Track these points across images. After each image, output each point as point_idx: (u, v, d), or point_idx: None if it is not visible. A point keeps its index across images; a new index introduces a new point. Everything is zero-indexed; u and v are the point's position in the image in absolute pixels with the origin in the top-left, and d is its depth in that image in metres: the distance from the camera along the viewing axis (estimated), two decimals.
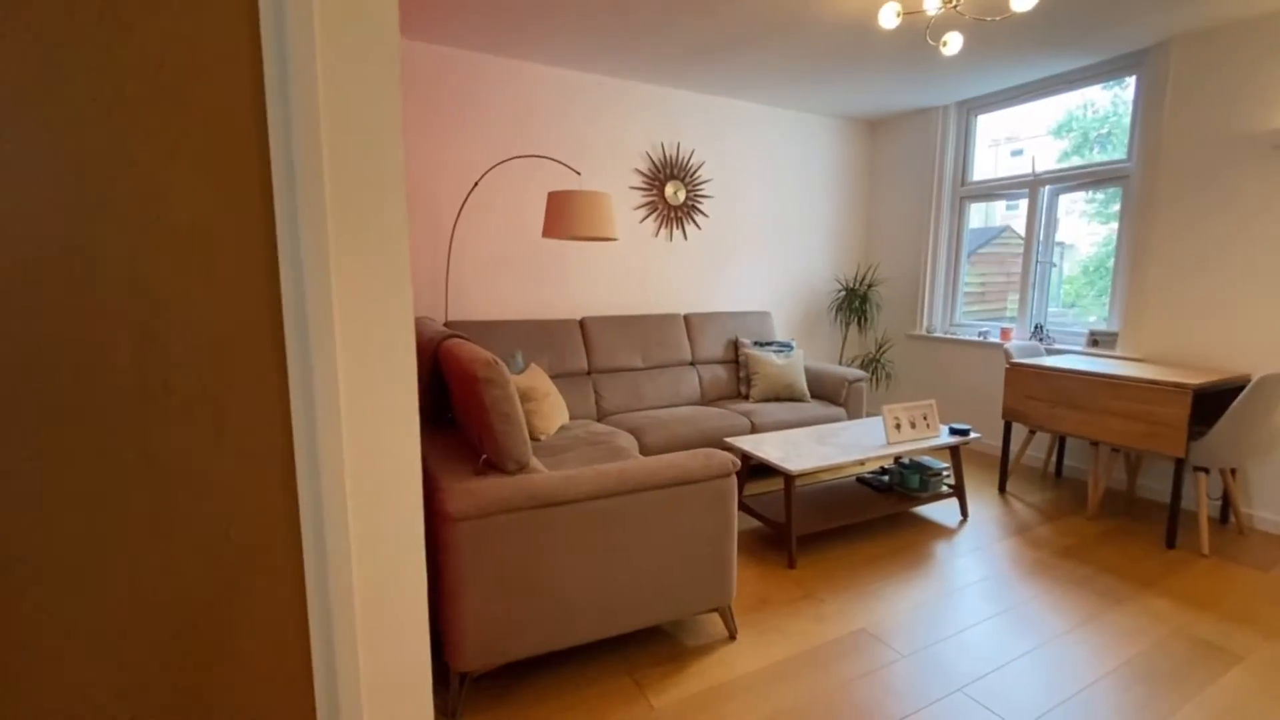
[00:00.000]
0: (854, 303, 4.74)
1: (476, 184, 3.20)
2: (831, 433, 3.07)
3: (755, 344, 4.03)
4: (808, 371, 4.06)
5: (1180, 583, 2.48)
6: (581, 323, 3.66)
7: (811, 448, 2.80)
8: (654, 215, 4.05)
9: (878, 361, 4.72)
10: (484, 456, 1.85)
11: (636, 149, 3.92)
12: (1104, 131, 3.79)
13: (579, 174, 2.93)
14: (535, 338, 3.46)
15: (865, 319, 4.82)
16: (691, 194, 4.15)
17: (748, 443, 2.84)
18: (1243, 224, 3.01)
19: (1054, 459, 3.85)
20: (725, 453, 2.01)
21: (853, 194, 4.95)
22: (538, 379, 3.01)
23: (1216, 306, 3.12)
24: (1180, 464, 2.75)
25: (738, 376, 4.03)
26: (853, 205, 4.97)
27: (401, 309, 0.92)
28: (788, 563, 2.60)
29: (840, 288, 4.94)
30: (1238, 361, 3.06)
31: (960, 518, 3.13)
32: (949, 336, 4.45)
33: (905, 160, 4.70)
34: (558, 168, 3.65)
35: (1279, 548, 2.80)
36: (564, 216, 2.77)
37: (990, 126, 4.39)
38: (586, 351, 3.62)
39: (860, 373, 3.85)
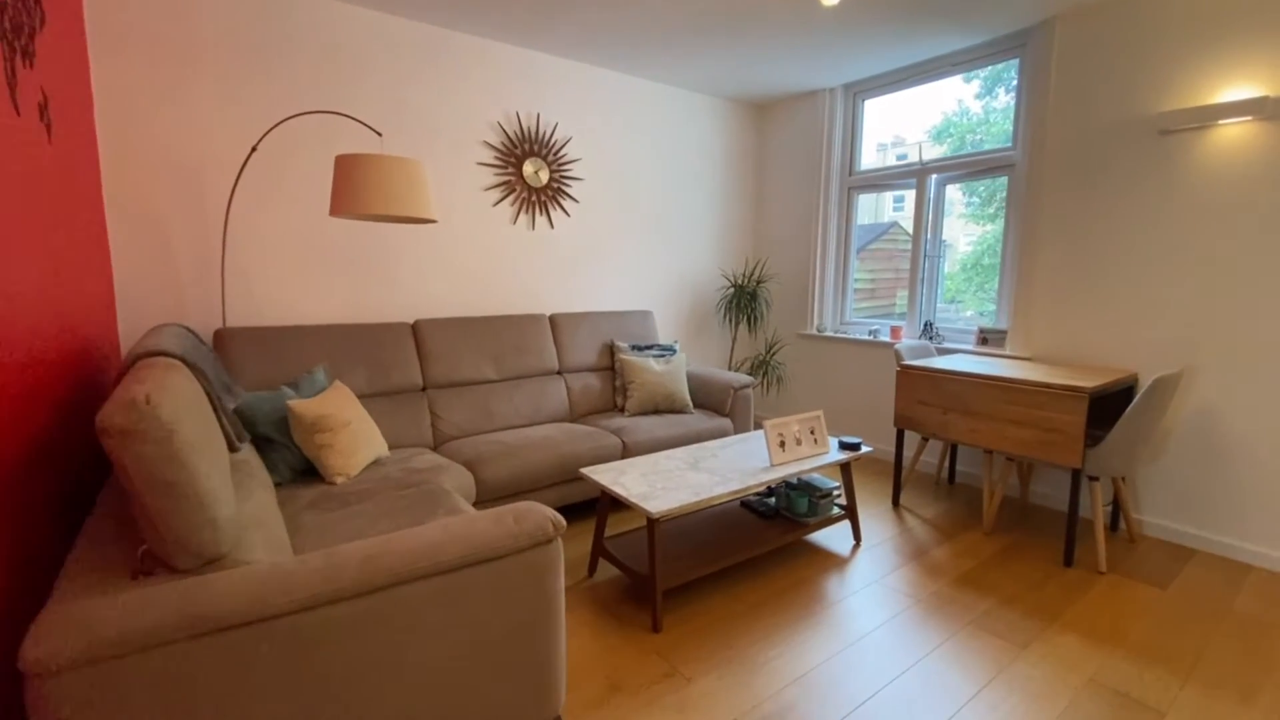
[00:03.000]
0: (743, 301, 4.36)
1: (255, 148, 2.44)
2: (709, 453, 2.60)
3: (634, 348, 3.52)
4: (692, 378, 3.61)
5: (1084, 611, 2.21)
6: (415, 327, 2.99)
7: (682, 476, 2.30)
8: (511, 198, 3.43)
9: (768, 364, 4.37)
10: (143, 548, 1.18)
11: (485, 118, 3.29)
12: (978, 137, 3.62)
13: (380, 135, 2.28)
14: (351, 347, 2.75)
15: (756, 318, 4.46)
16: (557, 175, 3.57)
17: (607, 474, 2.31)
18: (1127, 214, 2.85)
19: (946, 465, 3.63)
20: (542, 511, 1.45)
21: (741, 183, 4.58)
22: (337, 403, 2.32)
23: (1104, 302, 2.96)
24: (1076, 474, 2.52)
25: (613, 386, 3.51)
26: (742, 195, 4.59)
27: None
28: (652, 625, 2.09)
29: (728, 284, 4.55)
30: (1126, 360, 2.90)
31: (854, 542, 2.77)
32: (840, 336, 4.16)
33: (793, 147, 4.37)
34: (377, 135, 2.95)
35: (1171, 557, 2.64)
36: (356, 188, 2.10)
37: (877, 128, 4.12)
38: (421, 362, 2.95)
39: (746, 379, 3.44)
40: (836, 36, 3.22)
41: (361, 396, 2.75)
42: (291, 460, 2.27)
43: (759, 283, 4.45)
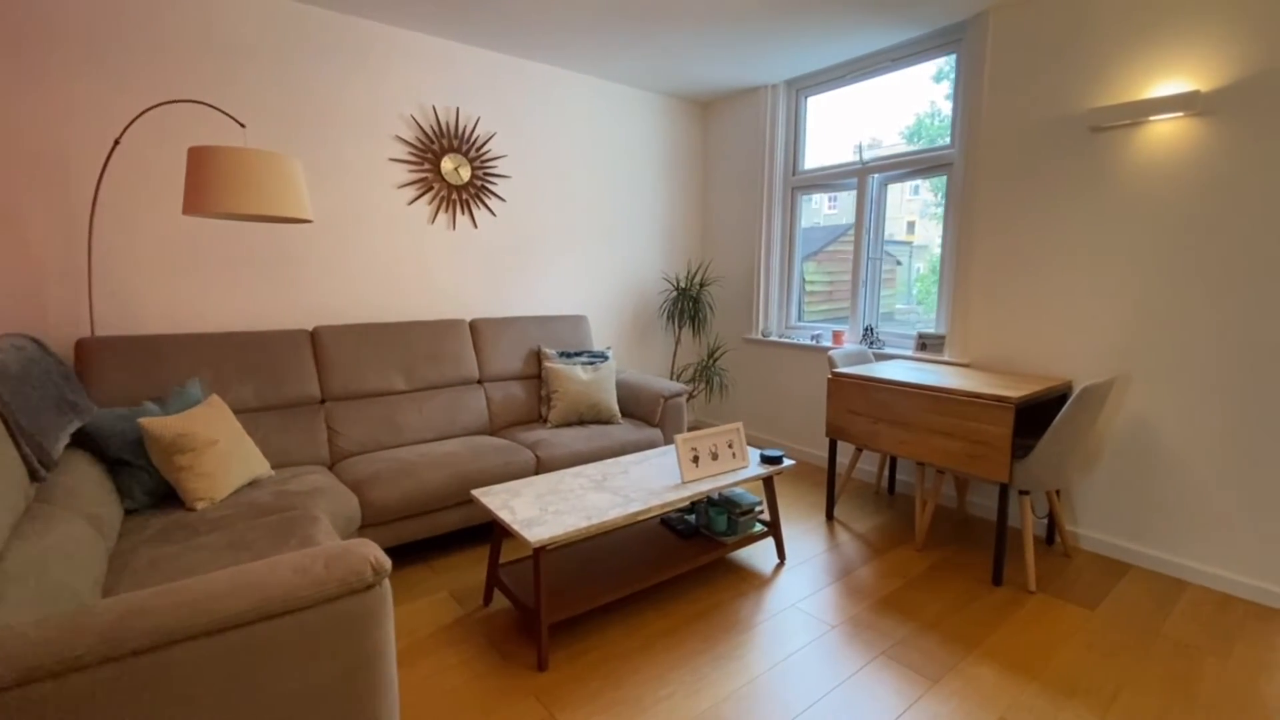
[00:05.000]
0: (685, 304, 4.21)
1: (118, 141, 2.23)
2: (620, 470, 2.44)
3: (562, 355, 3.34)
4: (622, 386, 3.44)
5: (1006, 637, 2.08)
6: (314, 334, 2.78)
7: (582, 497, 2.13)
8: (429, 196, 3.24)
9: (709, 370, 4.22)
10: None
11: (397, 112, 3.09)
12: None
13: (243, 126, 2.08)
14: (239, 357, 2.54)
15: (699, 322, 4.30)
16: (480, 172, 3.38)
17: (497, 496, 2.13)
18: (1060, 216, 2.74)
19: (886, 475, 3.50)
20: (362, 552, 1.27)
21: (686, 183, 4.42)
22: (205, 419, 2.11)
23: (1039, 306, 2.84)
24: (1005, 488, 2.39)
25: (539, 395, 3.33)
26: (687, 195, 4.44)
27: None
28: (537, 663, 1.91)
29: (670, 288, 4.39)
30: (1061, 367, 2.79)
31: (777, 561, 2.62)
32: (784, 341, 4.02)
33: (737, 145, 4.23)
34: (240, 126, 2.75)
35: (1104, 573, 2.53)
36: (211, 185, 1.90)
37: (846, 128, 3.95)
38: (319, 373, 2.75)
39: (679, 387, 3.28)
40: (769, 27, 3.08)
41: (248, 411, 2.54)
42: (149, 484, 2.06)
43: (702, 286, 4.30)
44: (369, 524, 2.32)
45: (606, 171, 3.97)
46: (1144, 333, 2.54)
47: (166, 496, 2.11)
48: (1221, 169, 2.31)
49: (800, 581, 2.46)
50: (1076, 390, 2.33)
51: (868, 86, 3.65)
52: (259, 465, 2.28)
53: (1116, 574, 2.53)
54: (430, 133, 3.19)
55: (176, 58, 2.52)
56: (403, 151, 3.13)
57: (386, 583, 1.30)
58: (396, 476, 2.38)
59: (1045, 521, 2.88)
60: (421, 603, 2.28)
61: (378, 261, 3.11)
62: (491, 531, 2.84)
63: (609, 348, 3.65)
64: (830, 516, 3.08)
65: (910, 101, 3.53)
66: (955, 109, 3.16)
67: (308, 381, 2.69)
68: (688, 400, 4.42)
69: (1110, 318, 2.62)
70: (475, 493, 2.14)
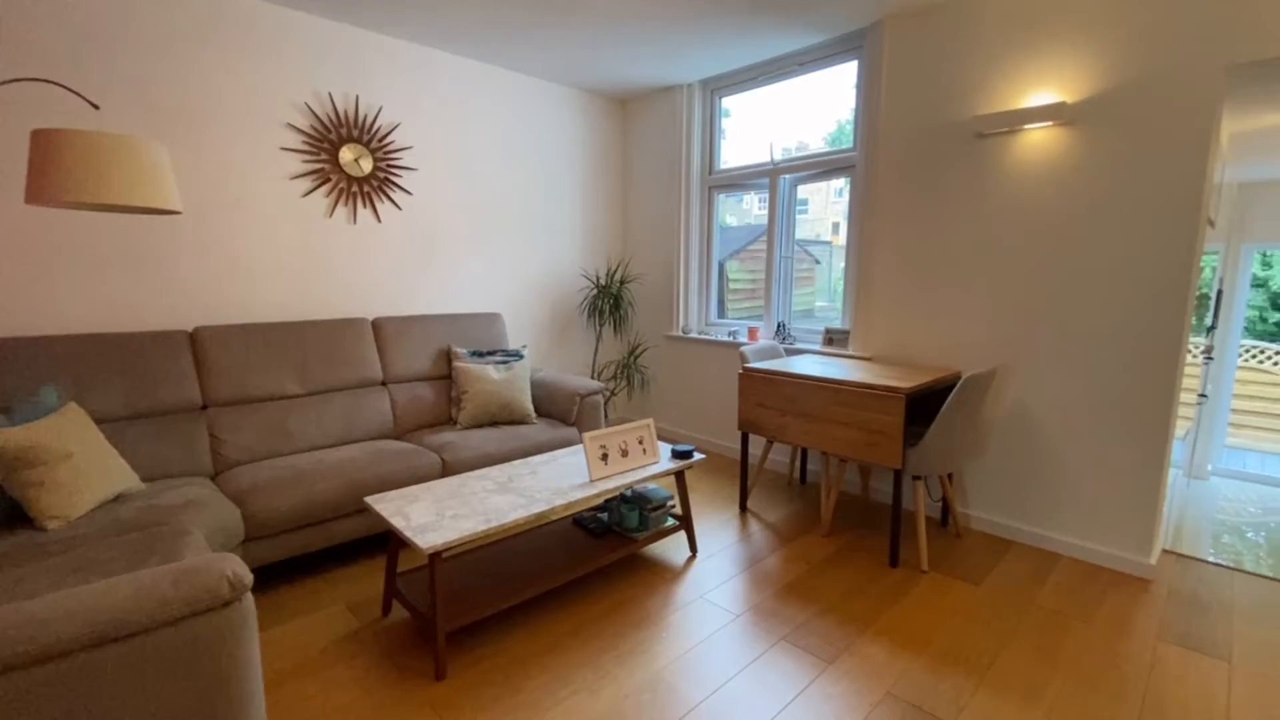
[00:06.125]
0: (606, 302, 4.19)
1: None
2: (529, 471, 2.39)
3: (474, 354, 3.25)
4: (539, 385, 3.39)
5: (899, 615, 2.19)
6: (194, 335, 2.58)
7: (485, 500, 2.08)
8: (326, 188, 3.07)
9: (630, 367, 4.23)
10: None
11: (289, 98, 2.91)
12: None
13: (97, 108, 1.89)
14: (104, 361, 2.31)
15: (620, 319, 4.30)
16: (383, 164, 3.24)
17: (392, 502, 2.04)
18: (950, 215, 2.91)
19: (799, 465, 3.62)
20: (220, 568, 1.18)
21: (607, 179, 4.40)
22: (57, 430, 1.91)
23: (932, 302, 3.01)
24: (899, 474, 2.52)
25: (449, 397, 3.22)
26: (608, 192, 4.42)
27: None
28: (435, 672, 1.85)
29: (590, 285, 4.36)
30: (951, 359, 2.96)
31: (689, 554, 2.65)
32: (704, 338, 4.08)
33: (655, 143, 4.25)
34: (119, 112, 2.52)
35: (990, 551, 2.71)
36: (56, 170, 1.72)
37: (776, 131, 4.02)
38: (200, 377, 2.55)
39: (595, 384, 3.26)
40: (674, 27, 3.10)
41: (116, 420, 2.33)
42: None
43: (623, 283, 4.30)
44: (254, 537, 2.17)
45: (523, 166, 3.89)
46: (1022, 326, 2.73)
47: (15, 516, 1.90)
48: (1083, 172, 2.52)
49: (710, 573, 2.49)
50: (961, 380, 2.48)
51: (785, 89, 3.75)
52: (125, 478, 2.08)
53: (1000, 551, 2.71)
54: (327, 121, 3.03)
55: (22, 32, 2.27)
56: (296, 140, 2.95)
57: (249, 598, 1.21)
58: (286, 485, 2.24)
59: (940, 504, 3.05)
60: (315, 617, 2.16)
61: (268, 257, 2.92)
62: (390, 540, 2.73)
63: (525, 346, 3.58)
64: (744, 508, 3.15)
65: (833, 106, 3.66)
66: (857, 113, 3.29)
67: (187, 386, 2.49)
68: (610, 398, 4.41)
69: (994, 311, 2.81)
70: (369, 500, 2.04)
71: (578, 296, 4.31)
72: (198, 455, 2.42)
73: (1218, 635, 2.10)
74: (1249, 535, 3.10)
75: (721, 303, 4.30)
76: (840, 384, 2.62)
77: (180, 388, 2.46)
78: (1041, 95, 2.62)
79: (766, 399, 2.92)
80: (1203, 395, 4.47)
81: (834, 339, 3.44)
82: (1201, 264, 2.74)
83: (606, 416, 4.17)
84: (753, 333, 3.85)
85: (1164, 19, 2.29)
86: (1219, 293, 4.60)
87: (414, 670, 1.87)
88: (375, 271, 3.29)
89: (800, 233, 4.00)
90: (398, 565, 2.11)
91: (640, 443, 2.50)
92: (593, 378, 4.38)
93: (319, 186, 3.04)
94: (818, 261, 4.15)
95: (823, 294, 4.03)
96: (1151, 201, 2.37)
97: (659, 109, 4.19)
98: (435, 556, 1.79)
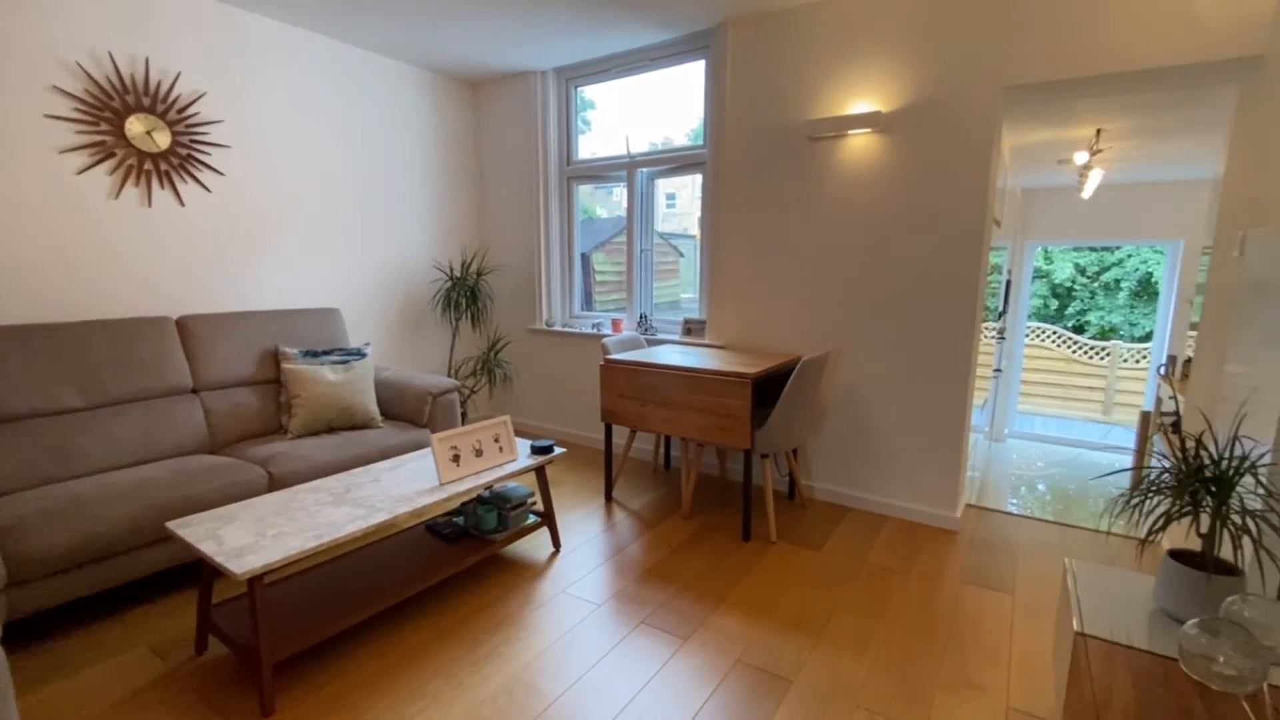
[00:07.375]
0: (462, 294, 4.00)
1: None
2: (371, 478, 2.21)
3: (306, 355, 2.94)
4: (386, 385, 3.15)
5: (750, 587, 2.32)
6: None
7: (317, 514, 1.89)
8: (110, 165, 2.61)
9: (491, 362, 4.09)
10: None
11: (55, 56, 2.42)
12: None
13: None
14: None
15: (478, 313, 4.13)
16: (185, 139, 2.81)
17: (201, 525, 1.79)
18: (787, 214, 3.11)
19: (662, 452, 3.72)
20: None
21: (457, 166, 4.19)
22: None
23: (775, 292, 3.21)
24: (748, 454, 2.67)
25: (279, 402, 2.90)
26: (458, 179, 4.21)
27: None
28: (260, 709, 1.65)
29: (444, 277, 4.15)
30: (792, 345, 3.19)
31: (553, 550, 2.61)
32: (568, 330, 4.04)
33: (510, 131, 4.12)
34: None
35: (830, 519, 2.96)
36: None
37: (649, 123, 3.99)
38: None
39: (449, 382, 3.10)
40: (516, 11, 3.00)
41: None
42: None
43: (479, 275, 4.13)
44: (20, 581, 1.79)
45: (363, 148, 3.59)
46: (851, 313, 3.00)
47: None
48: (896, 176, 2.81)
49: (574, 566, 2.48)
50: (799, 364, 2.67)
51: (644, 83, 3.77)
52: None
53: (839, 518, 2.98)
54: (108, 87, 2.57)
55: None
56: (66, 107, 2.47)
57: None
58: (59, 517, 1.87)
59: (788, 479, 3.28)
60: (108, 665, 1.84)
61: (29, 245, 2.43)
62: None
63: (368, 344, 3.31)
64: (609, 498, 3.17)
65: (694, 103, 3.74)
66: (705, 112, 3.42)
67: None
68: (469, 396, 4.23)
69: (826, 300, 3.06)
70: (171, 525, 1.77)
71: (430, 289, 4.08)
72: None
73: (1004, 573, 2.46)
74: (1039, 487, 3.68)
75: (589, 295, 4.29)
76: (694, 372, 2.72)
77: None
78: (862, 104, 2.87)
79: (627, 389, 2.96)
80: (998, 370, 5.23)
81: (692, 329, 3.56)
82: (991, 258, 3.19)
83: (465, 416, 4.00)
84: (616, 324, 3.89)
85: (954, 43, 2.61)
86: (1008, 282, 5.40)
87: (237, 711, 1.66)
88: (180, 262, 2.86)
89: (668, 226, 4.10)
90: (212, 596, 1.85)
91: (496, 440, 2.41)
92: (449, 375, 4.17)
93: (100, 162, 2.57)
94: (681, 254, 4.27)
95: (688, 286, 4.17)
96: (949, 203, 2.70)
97: (513, 94, 4.06)
98: (255, 581, 1.59)
